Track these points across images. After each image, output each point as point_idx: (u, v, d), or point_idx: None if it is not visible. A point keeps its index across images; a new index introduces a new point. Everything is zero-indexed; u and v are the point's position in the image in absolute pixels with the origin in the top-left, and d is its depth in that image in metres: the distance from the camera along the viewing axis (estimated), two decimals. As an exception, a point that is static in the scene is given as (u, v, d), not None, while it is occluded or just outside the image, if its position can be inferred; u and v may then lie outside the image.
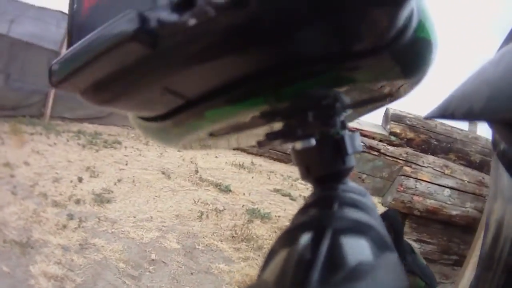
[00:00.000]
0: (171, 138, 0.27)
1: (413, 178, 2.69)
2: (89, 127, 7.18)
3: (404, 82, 0.25)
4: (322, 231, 0.18)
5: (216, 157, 7.10)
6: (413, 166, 2.72)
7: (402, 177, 2.68)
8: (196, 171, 5.00)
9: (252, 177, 5.76)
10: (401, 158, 2.72)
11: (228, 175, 5.50)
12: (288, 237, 0.21)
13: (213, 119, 0.22)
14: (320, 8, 0.15)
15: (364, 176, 2.68)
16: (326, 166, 0.26)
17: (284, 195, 5.19)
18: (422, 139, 2.87)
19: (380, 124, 3.05)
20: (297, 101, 0.22)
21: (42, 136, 5.18)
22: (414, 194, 2.64)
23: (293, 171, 8.53)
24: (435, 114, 0.25)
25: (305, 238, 0.19)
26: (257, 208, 4.08)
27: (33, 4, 6.53)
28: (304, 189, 6.02)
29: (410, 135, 2.83)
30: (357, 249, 0.18)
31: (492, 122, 0.30)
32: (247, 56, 0.16)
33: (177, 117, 0.21)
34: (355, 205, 0.22)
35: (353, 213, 0.21)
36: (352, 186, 0.26)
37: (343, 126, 0.27)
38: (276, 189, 5.36)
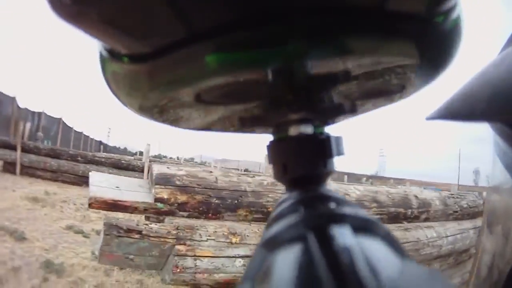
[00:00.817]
0: (147, 92, 0.20)
1: (191, 256, 2.26)
2: None
3: (421, 74, 0.22)
4: (338, 228, 0.16)
5: (14, 190, 7.14)
6: (188, 242, 2.28)
7: (176, 257, 2.22)
8: (-6, 215, 4.93)
9: (45, 214, 5.91)
10: (170, 236, 2.26)
11: (23, 214, 5.57)
12: (289, 234, 0.17)
13: (213, 68, 0.17)
14: None
15: (131, 256, 2.25)
16: (306, 166, 0.23)
17: (76, 232, 5.26)
18: (199, 201, 2.39)
19: (146, 186, 2.48)
20: (310, 75, 0.19)
21: None
22: (196, 272, 2.25)
23: (86, 195, 8.59)
24: (437, 116, 0.25)
25: (318, 236, 0.16)
26: (51, 258, 4.09)
27: None
28: (97, 219, 6.35)
29: (182, 198, 2.34)
30: (385, 250, 0.16)
31: (493, 123, 0.30)
32: None
33: (172, 56, 0.16)
34: (350, 205, 0.20)
35: (358, 211, 0.18)
36: (332, 190, 0.23)
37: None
38: (69, 226, 5.43)
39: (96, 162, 9.89)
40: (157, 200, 2.32)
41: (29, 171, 9.18)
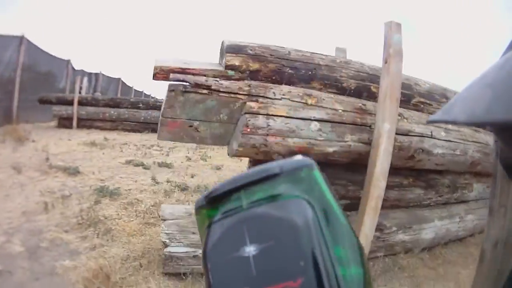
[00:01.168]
0: None
1: (263, 114, 2.10)
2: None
3: None
4: None
5: (69, 140, 7.13)
6: (261, 100, 2.13)
7: (247, 115, 2.07)
8: (47, 159, 5.02)
9: (103, 153, 5.89)
10: (241, 92, 2.10)
11: (79, 156, 5.55)
12: None
13: None
14: None
15: (196, 123, 2.09)
16: None
17: (136, 165, 5.23)
18: (272, 69, 2.23)
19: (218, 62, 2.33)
20: None
21: None
22: (268, 134, 2.09)
23: (148, 139, 8.66)
24: (438, 118, 0.26)
25: None
26: (106, 185, 4.07)
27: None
28: (159, 155, 6.27)
29: (254, 66, 2.19)
30: None
31: (494, 126, 0.30)
32: None
33: None
34: None
35: None
36: None
37: None
38: (129, 161, 5.39)
39: (159, 108, 10.10)
40: (228, 67, 2.15)
41: (86, 123, 9.16)
